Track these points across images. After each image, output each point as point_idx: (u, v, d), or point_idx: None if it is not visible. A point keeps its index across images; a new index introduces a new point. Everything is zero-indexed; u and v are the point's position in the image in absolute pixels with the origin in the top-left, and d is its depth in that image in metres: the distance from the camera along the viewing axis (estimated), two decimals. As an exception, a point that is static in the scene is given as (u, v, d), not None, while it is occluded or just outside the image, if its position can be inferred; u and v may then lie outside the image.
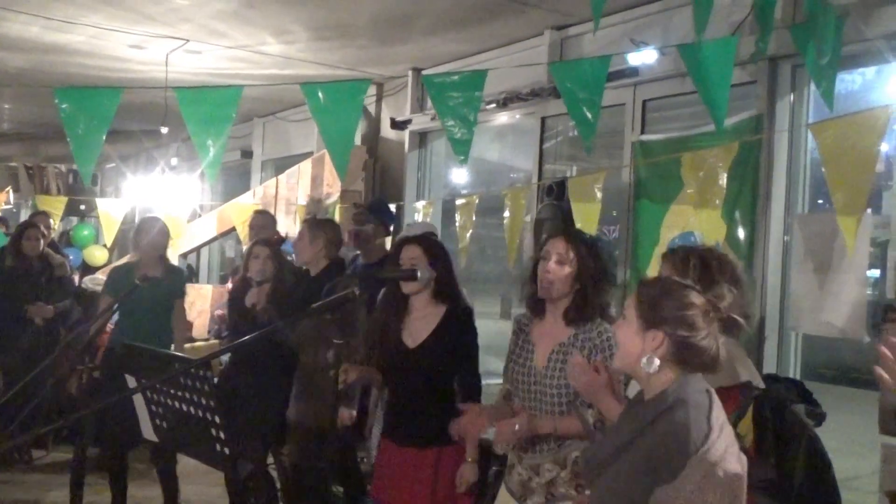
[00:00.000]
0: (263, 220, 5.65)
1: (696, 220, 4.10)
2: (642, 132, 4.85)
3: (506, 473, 2.81)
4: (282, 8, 5.45)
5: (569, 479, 2.60)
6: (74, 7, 5.52)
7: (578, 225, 4.42)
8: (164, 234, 4.89)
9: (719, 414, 1.89)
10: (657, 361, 1.91)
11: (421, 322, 3.17)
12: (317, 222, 4.27)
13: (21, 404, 5.70)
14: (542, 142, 5.65)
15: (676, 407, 1.85)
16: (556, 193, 4.84)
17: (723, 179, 3.91)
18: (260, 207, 6.81)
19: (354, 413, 3.91)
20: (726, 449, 1.83)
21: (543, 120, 5.64)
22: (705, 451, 1.79)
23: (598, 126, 3.83)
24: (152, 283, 4.68)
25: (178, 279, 4.92)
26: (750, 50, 3.87)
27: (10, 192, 10.85)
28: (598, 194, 4.42)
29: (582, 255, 2.65)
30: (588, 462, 2.06)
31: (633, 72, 4.70)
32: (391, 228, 5.12)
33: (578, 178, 4.79)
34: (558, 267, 2.64)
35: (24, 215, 10.25)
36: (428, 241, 3.29)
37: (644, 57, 4.59)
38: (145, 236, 4.79)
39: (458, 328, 3.16)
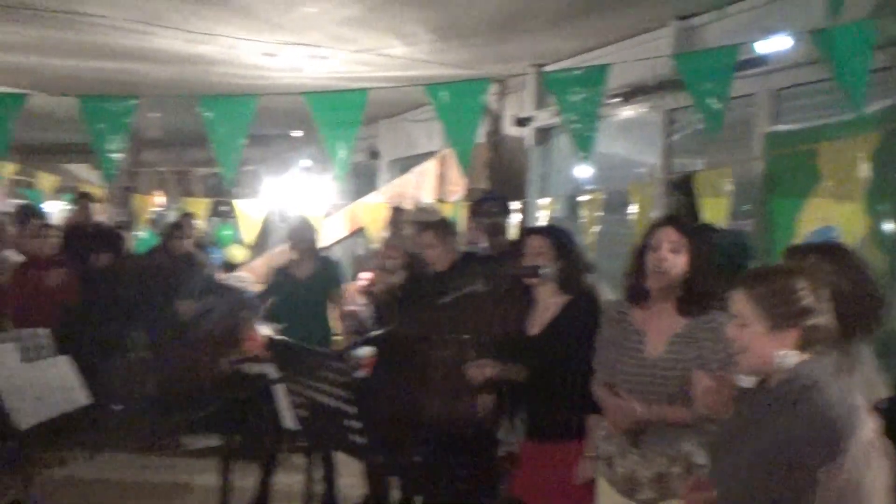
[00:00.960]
0: (399, 216, 5.79)
1: (835, 214, 3.92)
2: (774, 123, 4.68)
3: (603, 467, 2.76)
4: (405, 11, 5.58)
5: (680, 475, 2.55)
6: (212, 20, 5.86)
7: (706, 220, 4.31)
8: (313, 230, 5.17)
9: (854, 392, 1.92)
10: (793, 354, 1.94)
11: (544, 311, 3.19)
12: (441, 228, 4.33)
13: (172, 394, 6.15)
14: (667, 135, 5.54)
15: (812, 390, 1.86)
16: (683, 188, 4.73)
17: (864, 170, 3.72)
18: (396, 205, 6.98)
19: (494, 397, 3.92)
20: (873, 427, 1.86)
21: (669, 113, 5.52)
22: (861, 429, 1.82)
23: (726, 117, 3.73)
24: (308, 278, 4.96)
25: (327, 274, 5.14)
26: (891, 32, 3.66)
27: (160, 195, 11.63)
28: (727, 188, 4.30)
29: (694, 243, 2.63)
30: (709, 448, 2.09)
31: (763, 60, 4.53)
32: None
33: (706, 172, 4.67)
34: (673, 255, 2.62)
35: (173, 217, 10.93)
36: (554, 232, 3.30)
37: (774, 44, 4.41)
38: (296, 235, 5.08)
39: (578, 316, 3.11)
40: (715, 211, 4.33)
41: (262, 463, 4.88)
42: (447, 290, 3.57)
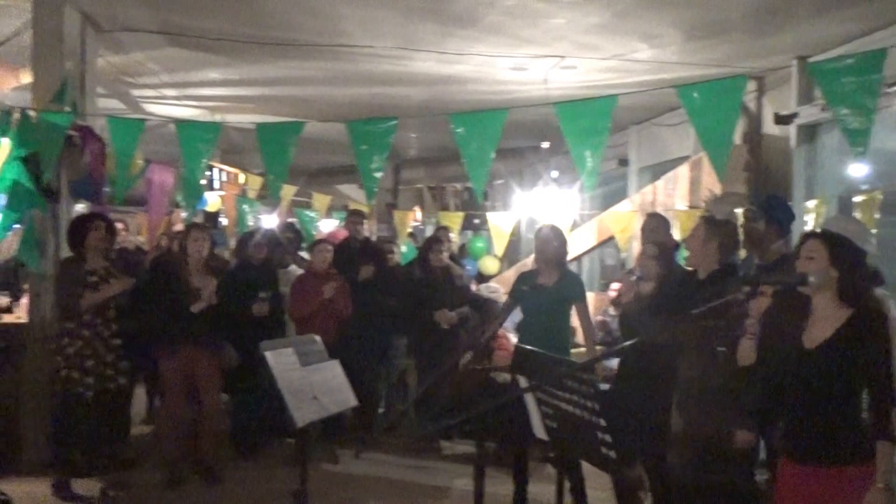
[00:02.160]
0: (655, 223, 5.55)
1: None
2: None
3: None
4: (653, 14, 5.44)
5: None
6: (464, 40, 6.11)
7: None
8: (561, 243, 5.16)
9: None
10: None
11: (822, 323, 2.93)
12: (714, 223, 4.10)
13: (431, 400, 6.41)
14: (963, 124, 4.87)
15: None
16: (984, 183, 4.12)
17: None
18: (652, 211, 6.75)
19: (753, 437, 3.69)
20: None
21: (965, 98, 4.85)
22: None
23: None
24: (547, 289, 4.99)
25: (570, 285, 5.12)
26: None
27: (418, 210, 12.32)
28: None
29: None
30: None
31: None
32: (789, 227, 4.69)
33: None
34: None
35: (429, 231, 11.51)
36: (833, 237, 3.03)
37: None
38: (542, 244, 5.12)
39: (864, 333, 2.83)
40: None
41: (516, 470, 4.95)
42: (701, 299, 3.40)
